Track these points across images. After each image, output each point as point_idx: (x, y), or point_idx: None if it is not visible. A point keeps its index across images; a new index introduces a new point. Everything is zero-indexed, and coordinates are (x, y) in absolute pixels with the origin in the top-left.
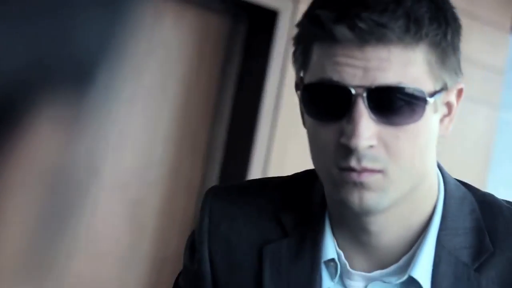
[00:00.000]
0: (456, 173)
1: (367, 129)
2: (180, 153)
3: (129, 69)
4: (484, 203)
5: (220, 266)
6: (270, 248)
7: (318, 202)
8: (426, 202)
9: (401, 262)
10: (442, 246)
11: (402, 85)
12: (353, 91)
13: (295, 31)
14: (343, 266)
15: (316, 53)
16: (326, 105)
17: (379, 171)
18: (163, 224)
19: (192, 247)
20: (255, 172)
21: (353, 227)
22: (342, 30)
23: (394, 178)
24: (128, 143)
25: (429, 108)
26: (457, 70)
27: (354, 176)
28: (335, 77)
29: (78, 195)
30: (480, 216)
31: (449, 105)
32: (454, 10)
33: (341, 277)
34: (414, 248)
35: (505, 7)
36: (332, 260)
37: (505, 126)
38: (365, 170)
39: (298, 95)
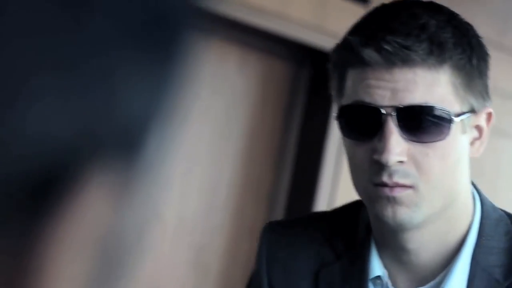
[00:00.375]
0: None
1: (397, 145)
2: (244, 197)
3: (183, 128)
4: None
5: (278, 284)
6: (325, 271)
7: (364, 228)
8: (461, 221)
9: (438, 278)
10: (476, 263)
11: (428, 104)
12: (383, 111)
13: (330, 59)
14: (386, 285)
15: (350, 79)
16: (359, 125)
17: (410, 187)
18: (227, 269)
19: (253, 276)
20: None
21: (394, 246)
22: (369, 53)
23: (425, 194)
24: (192, 187)
25: (456, 128)
26: (484, 95)
27: (386, 191)
28: (367, 99)
29: (129, 260)
30: None
31: (479, 129)
32: (480, 39)
33: None
34: (450, 265)
35: None
36: (379, 277)
37: None
38: (397, 185)
39: (336, 122)
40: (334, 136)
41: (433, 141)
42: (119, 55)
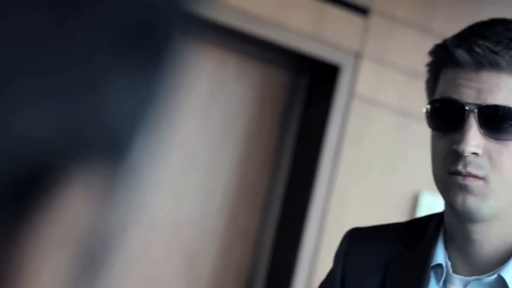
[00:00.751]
0: None
1: (474, 138)
2: (239, 203)
3: (172, 133)
4: None
5: (350, 277)
6: (394, 261)
7: (436, 223)
8: None
9: (496, 271)
10: None
11: (508, 106)
12: (466, 108)
13: (428, 59)
14: (448, 272)
15: (443, 78)
16: (444, 118)
17: (481, 178)
18: (220, 275)
19: (328, 274)
20: (313, 225)
21: (460, 237)
22: (461, 53)
23: (494, 187)
24: (187, 193)
25: None
26: None
27: (459, 179)
28: (454, 96)
29: (109, 261)
30: None
31: None
32: None
33: (444, 282)
34: (510, 259)
35: None
36: (440, 265)
37: None
38: (470, 174)
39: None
40: (330, 144)
41: (508, 140)
42: (107, 60)
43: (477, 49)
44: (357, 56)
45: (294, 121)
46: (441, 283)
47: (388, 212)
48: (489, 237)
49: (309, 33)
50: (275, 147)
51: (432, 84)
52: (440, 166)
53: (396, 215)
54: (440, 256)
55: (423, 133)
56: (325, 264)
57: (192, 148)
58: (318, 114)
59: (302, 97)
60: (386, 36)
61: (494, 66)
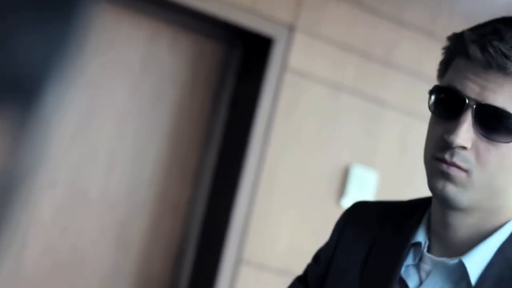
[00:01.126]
0: None
1: (466, 132)
2: (169, 176)
3: (80, 82)
4: None
5: (341, 246)
6: (382, 236)
7: (424, 206)
8: (504, 216)
9: (463, 256)
10: (501, 251)
11: (506, 109)
12: (467, 101)
13: (445, 43)
14: (423, 251)
15: (453, 66)
16: (444, 106)
17: (465, 170)
18: (149, 245)
19: (327, 242)
20: (243, 196)
21: (438, 220)
22: (474, 49)
23: (475, 181)
24: (118, 164)
25: None
26: None
27: (444, 166)
28: (459, 87)
29: (18, 199)
30: None
31: None
32: None
33: (420, 260)
34: (478, 246)
35: None
36: (420, 244)
37: None
38: (454, 165)
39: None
40: (262, 118)
41: (498, 141)
42: (18, 11)
43: (490, 50)
44: (290, 29)
45: (227, 93)
46: (416, 260)
47: (318, 184)
48: (464, 224)
49: (243, 5)
50: (207, 119)
51: (444, 68)
52: (430, 150)
53: (326, 187)
54: (421, 235)
55: (354, 107)
56: (255, 235)
57: (123, 119)
58: (250, 86)
59: (235, 69)
60: (319, 8)
61: (502, 69)
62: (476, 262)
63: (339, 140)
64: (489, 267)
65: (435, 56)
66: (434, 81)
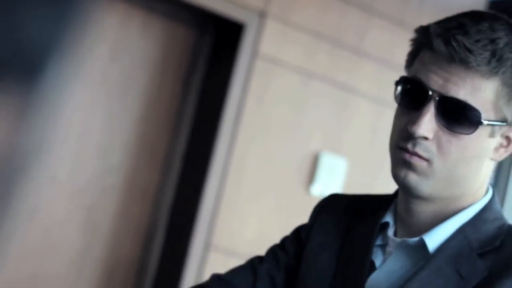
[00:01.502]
0: None
1: (428, 123)
2: (138, 161)
3: (81, 66)
4: None
5: (317, 228)
6: (355, 224)
7: (390, 200)
8: (463, 204)
9: (424, 234)
10: (461, 231)
11: (467, 102)
12: (430, 93)
13: (414, 34)
14: (387, 235)
15: (419, 58)
16: (409, 96)
17: (426, 160)
18: (117, 230)
19: (302, 226)
20: (213, 182)
21: (402, 206)
22: (438, 43)
23: (436, 170)
24: (86, 148)
25: (483, 130)
26: None
27: (406, 155)
28: (423, 78)
29: (20, 181)
30: (504, 233)
31: (508, 139)
32: None
33: (385, 243)
34: (438, 225)
35: None
36: (387, 226)
37: None
38: (416, 154)
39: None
40: (232, 104)
41: (458, 132)
42: None
43: (454, 44)
44: (262, 15)
45: (197, 79)
46: (384, 241)
47: (288, 171)
48: (425, 210)
49: None
50: (176, 105)
51: (411, 59)
52: (394, 139)
53: (296, 175)
54: (388, 218)
55: (325, 94)
56: (224, 222)
57: (92, 104)
58: (221, 72)
59: (206, 55)
60: None
61: (465, 63)
62: (435, 238)
63: (309, 127)
64: (448, 241)
65: (405, 45)
66: (403, 70)
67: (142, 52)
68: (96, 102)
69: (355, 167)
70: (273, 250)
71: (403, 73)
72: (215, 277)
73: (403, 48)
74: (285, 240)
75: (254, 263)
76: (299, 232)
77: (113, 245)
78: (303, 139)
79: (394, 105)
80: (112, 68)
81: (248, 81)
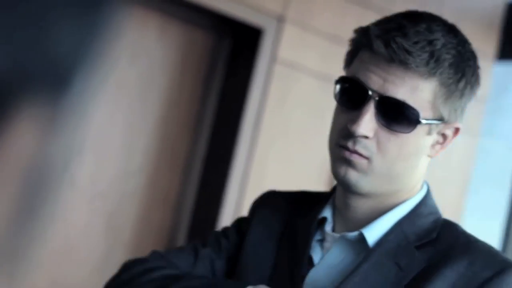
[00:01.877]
0: (435, 196)
1: (368, 122)
2: (159, 165)
3: (108, 76)
4: (448, 222)
5: (254, 226)
6: (294, 219)
7: (327, 196)
8: (399, 199)
9: (363, 228)
10: (399, 225)
11: (405, 102)
12: (370, 93)
13: (353, 35)
14: (325, 230)
15: (359, 57)
16: (348, 96)
17: (366, 158)
18: (139, 235)
19: (241, 218)
20: (233, 186)
21: (341, 202)
22: (378, 44)
23: (375, 168)
24: (107, 153)
25: (421, 128)
26: (458, 112)
27: (346, 153)
28: (362, 78)
29: (51, 192)
30: (439, 226)
31: (444, 136)
32: (478, 70)
33: (323, 239)
34: (376, 220)
35: (488, 35)
36: (325, 221)
37: (484, 154)
38: (356, 152)
39: (334, 86)
40: (252, 108)
41: (397, 131)
42: (52, 6)
43: (393, 45)
44: (280, 20)
45: (217, 83)
46: (322, 237)
47: (308, 175)
48: (363, 206)
49: None
50: (196, 109)
51: (350, 58)
52: (334, 138)
53: (316, 178)
54: (327, 213)
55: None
56: None
57: (112, 108)
58: (240, 77)
59: (225, 60)
60: (309, 0)
61: (404, 64)
62: (374, 232)
63: (328, 130)
64: (386, 235)
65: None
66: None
67: (160, 55)
68: (116, 106)
69: None
70: (216, 236)
71: None
72: (156, 253)
73: None
74: (226, 229)
75: (196, 245)
76: (240, 223)
77: (134, 250)
78: (323, 143)
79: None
80: (130, 73)
81: (267, 85)
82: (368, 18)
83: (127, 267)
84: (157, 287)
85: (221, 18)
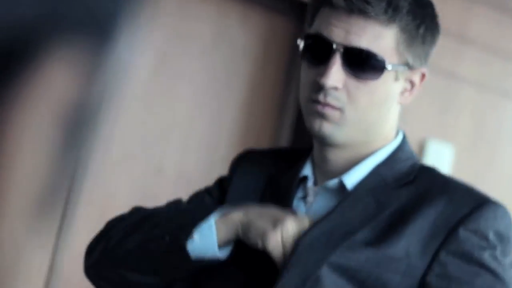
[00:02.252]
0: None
1: (336, 73)
2: None
3: (154, 28)
4: (425, 166)
5: (235, 184)
6: (276, 175)
7: (306, 153)
8: (375, 147)
9: (342, 175)
10: (376, 170)
11: (370, 50)
12: (334, 46)
13: None
14: (307, 185)
15: (319, 15)
16: (314, 52)
17: (338, 109)
18: None
19: (222, 177)
20: None
21: (319, 157)
22: None
23: (348, 117)
24: (193, 142)
25: (388, 74)
26: (422, 58)
27: (319, 107)
28: (325, 33)
29: (88, 132)
30: (416, 170)
31: (411, 83)
32: (436, 17)
33: (306, 194)
34: (354, 166)
35: None
36: (306, 177)
37: None
38: (328, 105)
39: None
40: None
41: (365, 79)
42: None
43: None
44: None
45: (299, 70)
46: (304, 193)
47: None
48: (341, 158)
49: None
50: (279, 96)
51: (311, 18)
52: (305, 94)
53: None
54: (307, 170)
55: (428, 82)
56: None
57: (196, 97)
58: None
59: None
60: None
61: (363, 13)
62: (352, 178)
63: (413, 115)
64: (364, 180)
65: (510, 31)
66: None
67: (243, 42)
68: (200, 94)
69: (462, 154)
70: (197, 194)
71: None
72: (137, 208)
73: (508, 35)
74: (208, 187)
75: (177, 201)
76: (221, 182)
77: None
78: (408, 127)
79: (499, 92)
80: (213, 60)
81: None
82: (451, 2)
83: (108, 223)
84: (131, 229)
85: (302, 4)
